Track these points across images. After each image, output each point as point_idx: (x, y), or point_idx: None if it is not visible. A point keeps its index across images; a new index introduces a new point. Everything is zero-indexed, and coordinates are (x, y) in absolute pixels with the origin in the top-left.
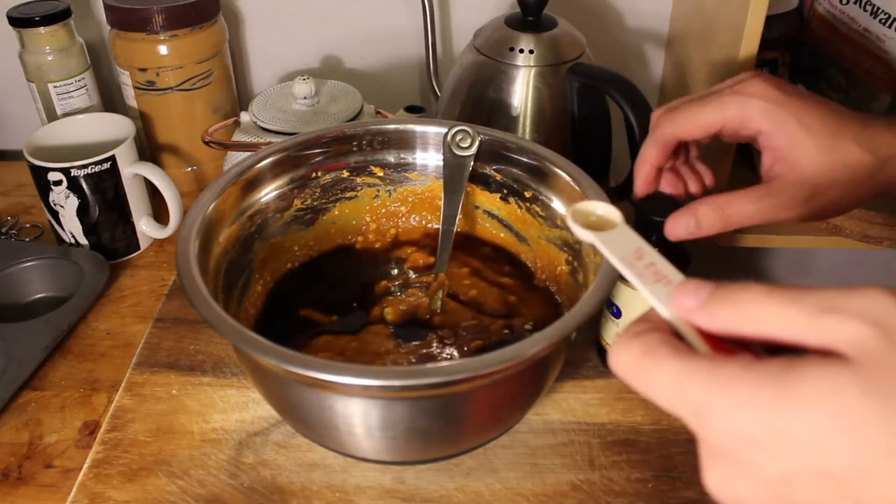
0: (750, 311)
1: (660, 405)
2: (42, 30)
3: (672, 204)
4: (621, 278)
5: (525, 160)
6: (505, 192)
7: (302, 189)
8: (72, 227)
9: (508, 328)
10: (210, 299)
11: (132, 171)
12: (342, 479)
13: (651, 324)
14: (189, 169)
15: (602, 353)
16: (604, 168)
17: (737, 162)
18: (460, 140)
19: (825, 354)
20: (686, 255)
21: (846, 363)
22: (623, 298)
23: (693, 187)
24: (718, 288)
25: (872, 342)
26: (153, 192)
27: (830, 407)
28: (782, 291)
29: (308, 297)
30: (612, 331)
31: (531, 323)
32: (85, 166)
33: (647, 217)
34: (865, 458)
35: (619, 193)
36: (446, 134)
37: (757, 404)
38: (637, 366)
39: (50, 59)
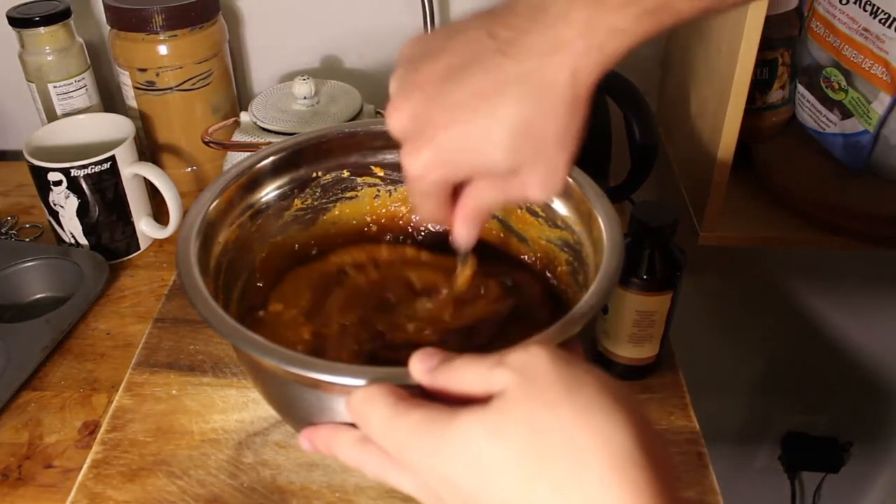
0: (457, 374)
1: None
2: (42, 30)
3: (666, 211)
4: None
5: None
6: None
7: (302, 189)
8: (72, 228)
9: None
10: (210, 299)
11: (132, 171)
12: (342, 479)
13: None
14: (189, 169)
15: (595, 352)
16: (604, 168)
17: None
18: None
19: (487, 401)
20: (679, 260)
21: (484, 409)
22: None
23: None
24: (448, 357)
25: (513, 388)
26: (153, 193)
27: (465, 453)
28: (491, 356)
29: None
30: (600, 326)
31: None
32: (85, 166)
33: (641, 223)
34: (500, 495)
35: (618, 194)
36: None
37: (422, 448)
38: (358, 409)
39: (50, 59)
